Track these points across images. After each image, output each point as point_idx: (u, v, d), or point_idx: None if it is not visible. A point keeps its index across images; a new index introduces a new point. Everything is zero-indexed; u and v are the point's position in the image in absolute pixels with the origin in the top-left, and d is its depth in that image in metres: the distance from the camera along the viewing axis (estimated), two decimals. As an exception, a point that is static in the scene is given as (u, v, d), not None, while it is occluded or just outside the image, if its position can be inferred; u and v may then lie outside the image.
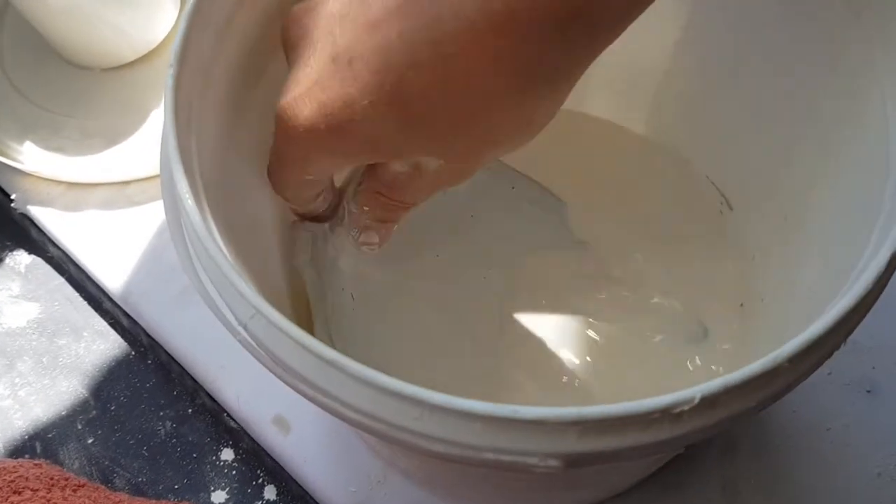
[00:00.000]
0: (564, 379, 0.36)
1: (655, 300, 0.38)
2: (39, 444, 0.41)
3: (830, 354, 0.23)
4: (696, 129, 0.39)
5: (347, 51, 0.25)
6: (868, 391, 0.39)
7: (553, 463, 0.21)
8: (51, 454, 0.41)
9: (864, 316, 0.24)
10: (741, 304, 0.38)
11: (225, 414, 0.41)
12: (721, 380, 0.21)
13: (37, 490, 0.33)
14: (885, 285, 0.24)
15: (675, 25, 0.36)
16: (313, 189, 0.31)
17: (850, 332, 0.24)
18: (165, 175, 0.26)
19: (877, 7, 0.28)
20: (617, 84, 0.40)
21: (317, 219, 0.34)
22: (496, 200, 0.39)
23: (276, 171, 0.29)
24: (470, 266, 0.38)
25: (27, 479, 0.33)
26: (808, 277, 0.31)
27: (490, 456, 0.21)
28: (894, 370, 0.39)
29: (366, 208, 0.32)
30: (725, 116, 0.37)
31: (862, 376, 0.39)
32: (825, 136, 0.31)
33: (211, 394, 0.41)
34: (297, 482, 0.39)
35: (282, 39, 0.27)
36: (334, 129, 0.25)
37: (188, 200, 0.24)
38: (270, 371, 0.25)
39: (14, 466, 0.34)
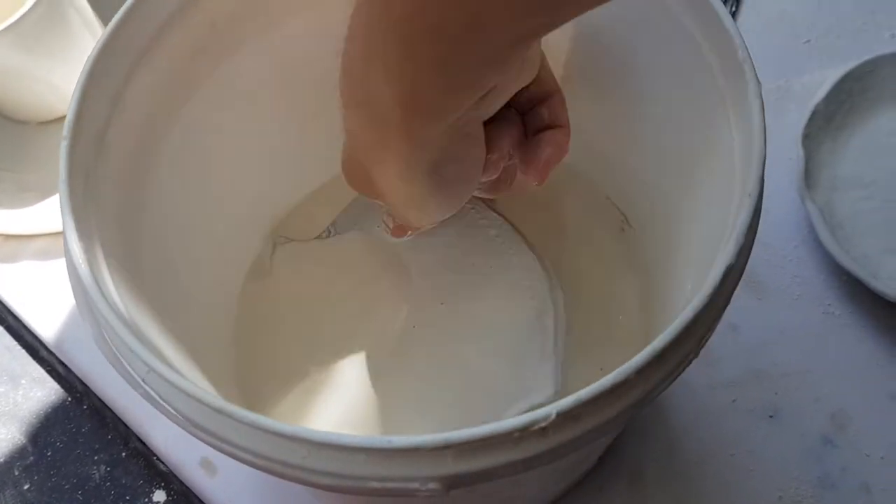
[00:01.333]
0: (452, 398, 0.37)
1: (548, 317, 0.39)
2: (-24, 491, 0.42)
3: (681, 365, 0.25)
4: (593, 155, 0.41)
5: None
6: (770, 416, 0.41)
7: (433, 486, 0.23)
8: (-14, 501, 0.42)
9: (709, 329, 0.25)
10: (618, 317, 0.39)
11: (155, 457, 0.42)
12: (574, 396, 0.23)
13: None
14: (726, 297, 0.26)
15: (559, 57, 0.38)
16: None
17: (699, 343, 0.25)
18: (64, 241, 0.27)
19: (716, 50, 0.30)
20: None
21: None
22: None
23: None
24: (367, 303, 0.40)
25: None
26: (684, 295, 0.32)
27: (376, 485, 0.23)
28: (795, 395, 0.41)
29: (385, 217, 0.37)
30: (614, 144, 0.39)
31: (765, 402, 0.41)
32: (690, 164, 0.33)
33: (141, 438, 0.42)
34: (225, 522, 0.40)
35: None
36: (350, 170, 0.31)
37: (81, 264, 0.26)
38: (172, 421, 0.26)
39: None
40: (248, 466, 0.25)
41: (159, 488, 0.42)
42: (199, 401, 0.24)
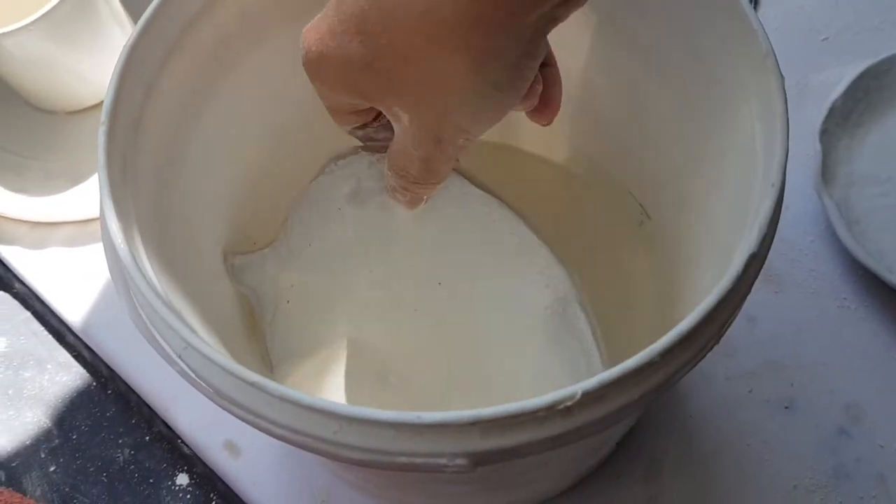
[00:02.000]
0: (493, 378, 0.38)
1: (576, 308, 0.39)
2: (3, 472, 0.43)
3: (704, 349, 0.25)
4: (614, 147, 0.41)
5: None
6: (786, 407, 0.41)
7: (461, 462, 0.24)
8: (14, 482, 0.43)
9: (731, 315, 0.26)
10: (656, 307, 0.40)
11: (179, 440, 0.43)
12: (598, 377, 0.24)
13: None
14: (749, 285, 0.26)
15: (581, 48, 0.38)
16: (345, 121, 0.32)
17: (721, 329, 0.26)
18: (102, 222, 0.28)
19: (739, 43, 0.31)
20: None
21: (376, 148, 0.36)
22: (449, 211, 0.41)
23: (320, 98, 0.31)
24: (410, 276, 0.40)
25: (-13, 506, 0.35)
26: (703, 285, 0.33)
27: (404, 459, 0.24)
28: (811, 387, 0.42)
29: (389, 171, 0.33)
30: (635, 136, 0.39)
31: (780, 394, 0.42)
32: (712, 157, 0.33)
33: (166, 421, 0.43)
34: (247, 504, 0.41)
35: None
36: (319, 55, 0.28)
37: (120, 244, 0.27)
38: (206, 396, 0.27)
39: (-25, 494, 0.36)
40: (269, 440, 0.26)
41: (182, 471, 0.42)
42: (235, 375, 0.25)
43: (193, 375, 0.26)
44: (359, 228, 0.40)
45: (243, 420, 0.26)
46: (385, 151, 0.33)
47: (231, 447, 0.41)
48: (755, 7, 0.53)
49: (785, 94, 0.28)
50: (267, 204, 0.40)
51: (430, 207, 0.39)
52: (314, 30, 0.28)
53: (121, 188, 0.28)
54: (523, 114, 0.33)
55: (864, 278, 0.44)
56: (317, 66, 0.29)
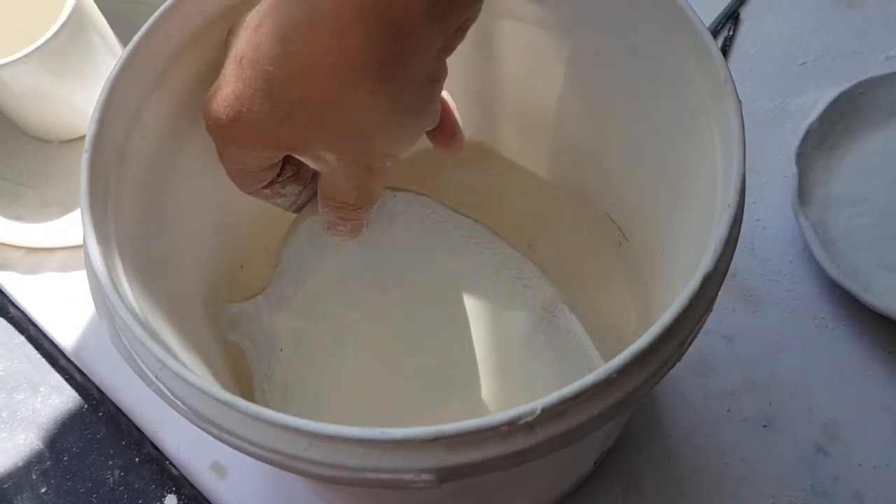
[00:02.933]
0: (480, 397, 0.38)
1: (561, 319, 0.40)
2: (-5, 494, 0.44)
3: (663, 368, 0.26)
4: (591, 171, 0.42)
5: (240, 52, 0.29)
6: (764, 426, 0.42)
7: (427, 477, 0.24)
8: (5, 503, 0.43)
9: (691, 332, 0.27)
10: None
11: (168, 462, 0.43)
12: (557, 393, 0.24)
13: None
14: (707, 303, 0.27)
15: (557, 78, 0.40)
16: (255, 180, 0.33)
17: (681, 346, 0.26)
18: (84, 246, 0.29)
19: (701, 69, 0.32)
20: (520, 129, 0.44)
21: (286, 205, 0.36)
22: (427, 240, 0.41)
23: (222, 162, 0.32)
24: (400, 307, 0.41)
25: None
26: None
27: (371, 475, 0.24)
28: (789, 406, 0.42)
29: (324, 209, 0.34)
30: (610, 160, 0.40)
31: (759, 412, 0.42)
32: (680, 179, 0.34)
33: (155, 443, 0.44)
34: (233, 525, 0.41)
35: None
36: (232, 120, 0.29)
37: (99, 267, 0.28)
38: (183, 416, 0.28)
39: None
40: (255, 462, 0.27)
41: (171, 492, 0.43)
42: (208, 394, 0.26)
43: (170, 395, 0.27)
44: (344, 266, 0.41)
45: (219, 439, 0.27)
46: (292, 207, 0.36)
47: (218, 468, 0.42)
48: (733, 34, 0.54)
49: (742, 119, 0.29)
50: (255, 245, 0.41)
51: (413, 237, 0.40)
52: (219, 97, 0.29)
53: (101, 214, 0.29)
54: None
55: (842, 298, 0.44)
56: (231, 131, 0.29)
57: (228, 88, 0.29)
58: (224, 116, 0.29)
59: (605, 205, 0.43)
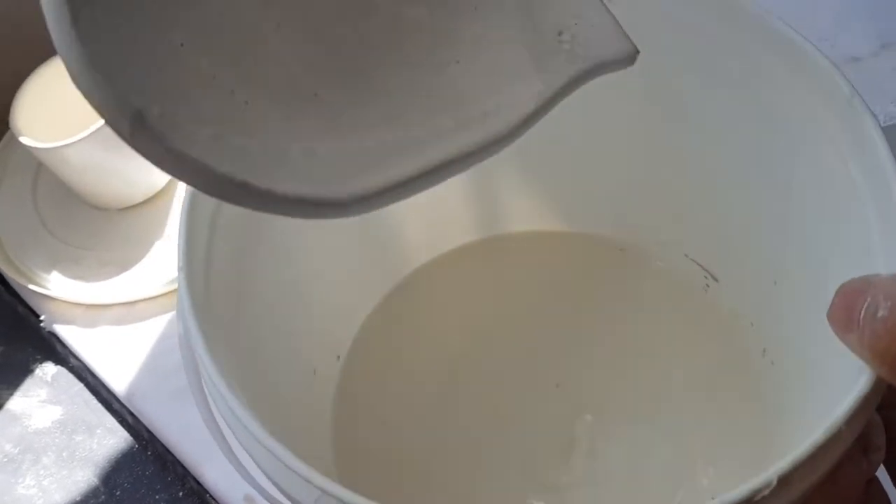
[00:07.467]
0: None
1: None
2: (57, 526, 0.49)
3: (830, 466, 0.24)
4: (664, 214, 0.42)
5: None
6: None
7: None
8: (66, 534, 0.49)
9: (858, 429, 0.24)
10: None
11: (208, 495, 0.48)
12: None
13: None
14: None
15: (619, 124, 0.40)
16: None
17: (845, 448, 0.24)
18: (188, 356, 0.30)
19: (810, 72, 0.31)
20: (582, 195, 0.45)
21: None
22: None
23: None
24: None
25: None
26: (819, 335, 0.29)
27: None
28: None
29: None
30: (682, 197, 0.40)
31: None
32: (796, 202, 0.34)
33: (197, 479, 0.49)
34: (265, 552, 0.46)
35: None
36: None
37: (222, 386, 0.27)
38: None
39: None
40: (281, 496, 0.28)
41: (210, 523, 0.48)
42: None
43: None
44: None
45: None
46: None
47: (249, 500, 0.47)
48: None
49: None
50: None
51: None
52: None
53: (204, 313, 0.29)
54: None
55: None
56: None
57: None
58: None
59: (684, 247, 0.43)
